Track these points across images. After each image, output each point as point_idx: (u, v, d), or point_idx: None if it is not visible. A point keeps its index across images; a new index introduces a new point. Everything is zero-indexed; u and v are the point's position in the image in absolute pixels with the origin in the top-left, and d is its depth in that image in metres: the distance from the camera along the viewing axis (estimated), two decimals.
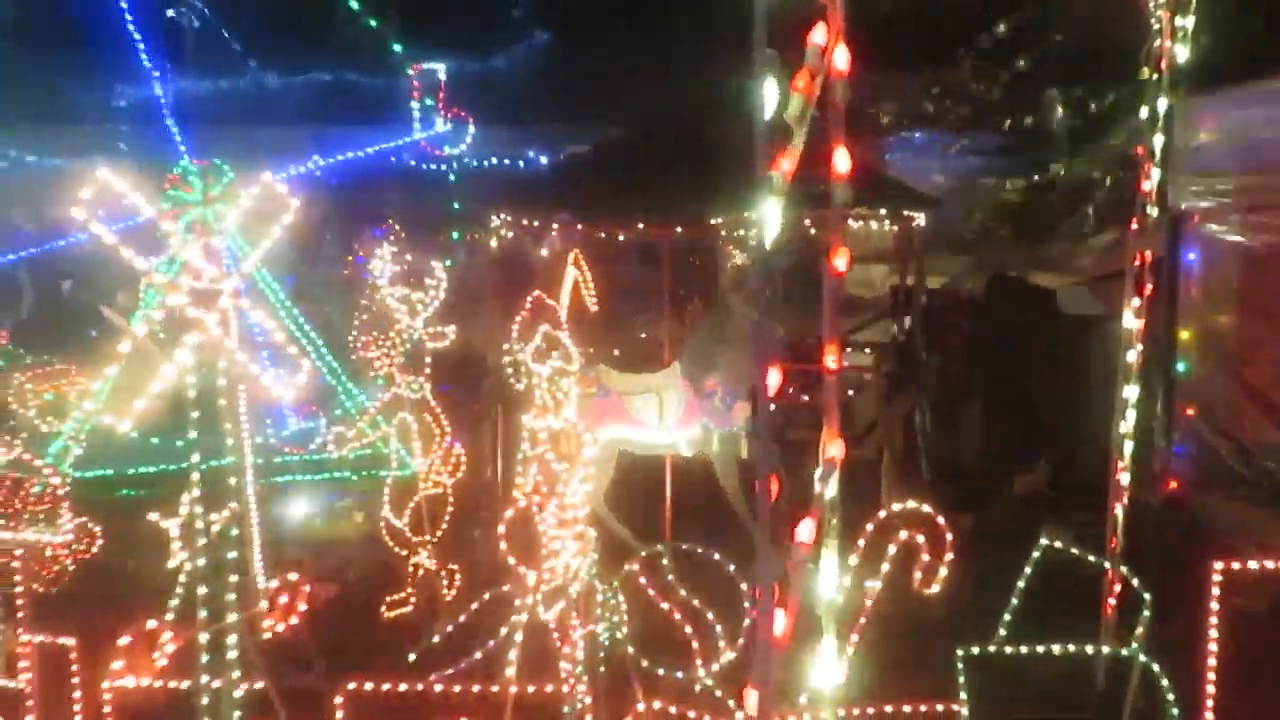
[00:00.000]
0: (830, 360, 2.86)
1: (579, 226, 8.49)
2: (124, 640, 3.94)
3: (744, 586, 4.90)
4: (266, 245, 3.85)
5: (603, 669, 5.28)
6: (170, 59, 8.86)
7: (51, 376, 7.38)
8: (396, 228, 9.88)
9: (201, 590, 3.87)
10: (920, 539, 4.74)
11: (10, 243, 9.02)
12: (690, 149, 8.14)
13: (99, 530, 6.31)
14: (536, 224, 9.24)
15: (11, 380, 7.21)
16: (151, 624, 3.95)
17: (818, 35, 2.80)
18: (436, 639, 5.33)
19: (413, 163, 12.90)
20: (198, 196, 4.69)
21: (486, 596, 5.21)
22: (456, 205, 10.19)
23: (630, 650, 5.29)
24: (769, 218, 2.55)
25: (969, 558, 5.15)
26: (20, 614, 4.75)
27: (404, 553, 7.41)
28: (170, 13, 8.62)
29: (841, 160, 2.81)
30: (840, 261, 2.85)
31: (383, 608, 7.32)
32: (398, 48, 9.23)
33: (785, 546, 2.60)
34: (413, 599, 7.40)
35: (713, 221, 8.62)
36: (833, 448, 2.93)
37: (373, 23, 9.01)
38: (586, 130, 10.03)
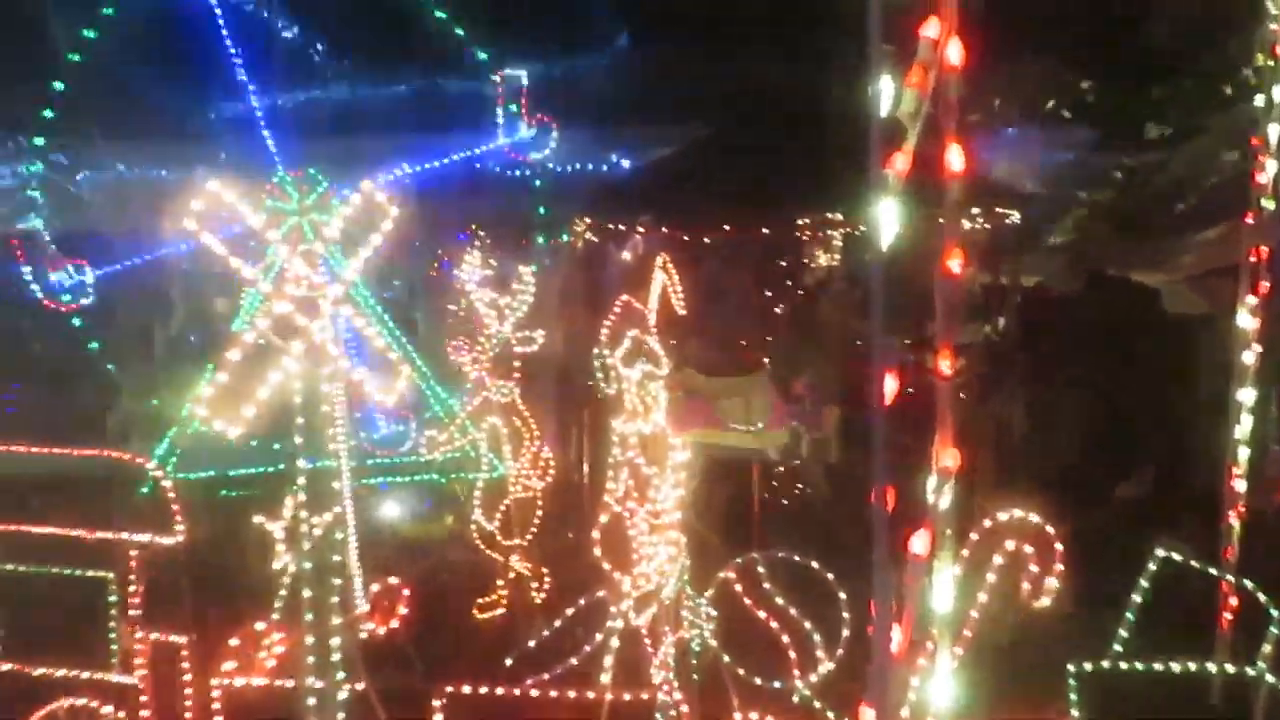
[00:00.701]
0: (945, 365, 2.76)
1: (663, 229, 8.50)
2: (234, 641, 4.03)
3: (841, 595, 4.79)
4: (367, 253, 3.89)
5: (696, 677, 5.23)
6: (265, 71, 9.10)
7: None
8: (481, 233, 10.01)
9: (306, 593, 3.93)
10: (1028, 549, 4.57)
11: (122, 253, 9.35)
12: (782, 149, 8.05)
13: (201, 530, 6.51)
14: (620, 227, 9.27)
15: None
16: (260, 626, 4.02)
17: (930, 29, 2.71)
18: (532, 644, 5.35)
19: (497, 169, 13.05)
20: (294, 205, 4.76)
21: (581, 603, 5.20)
22: (541, 210, 10.24)
23: (725, 659, 5.22)
24: (884, 218, 2.46)
25: (1070, 568, 4.96)
26: (135, 612, 4.89)
27: (494, 555, 7.47)
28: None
29: (955, 158, 2.71)
30: (954, 264, 2.75)
31: (474, 609, 7.39)
32: (483, 55, 9.30)
33: (899, 560, 2.51)
34: (504, 601, 7.46)
35: (801, 222, 8.54)
36: (946, 457, 2.83)
37: (459, 31, 9.09)
38: (670, 133, 10.00)
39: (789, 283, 9.98)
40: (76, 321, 9.30)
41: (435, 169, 9.74)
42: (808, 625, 5.05)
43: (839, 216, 8.39)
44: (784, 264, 10.34)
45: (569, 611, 5.29)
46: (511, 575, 7.47)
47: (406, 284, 10.90)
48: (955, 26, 2.72)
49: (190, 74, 9.65)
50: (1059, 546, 4.64)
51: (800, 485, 8.59)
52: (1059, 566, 4.58)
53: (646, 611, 5.32)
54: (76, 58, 8.38)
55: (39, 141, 8.67)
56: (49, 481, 6.14)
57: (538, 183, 10.50)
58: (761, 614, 5.12)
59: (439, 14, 9.03)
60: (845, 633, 4.88)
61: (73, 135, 8.53)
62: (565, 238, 10.73)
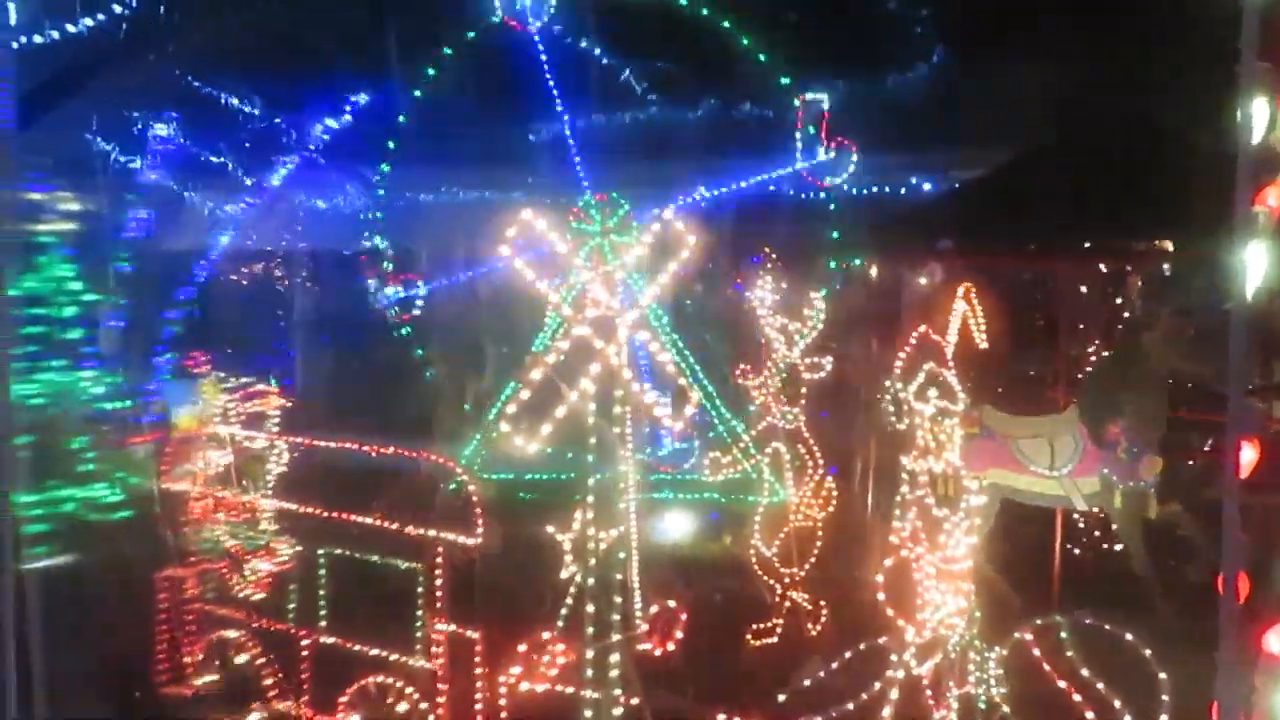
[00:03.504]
0: None
1: (966, 257, 8.03)
2: (522, 648, 4.22)
3: (1161, 676, 4.25)
4: (664, 279, 3.95)
5: None
6: (577, 96, 9.60)
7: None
8: (774, 256, 9.96)
9: (589, 607, 4.03)
10: None
11: (445, 271, 10.24)
12: (1111, 172, 7.34)
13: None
14: (918, 253, 8.88)
15: None
16: (546, 635, 4.18)
17: None
18: (808, 682, 5.20)
19: (791, 192, 12.99)
20: (596, 228, 4.91)
21: (862, 647, 4.99)
22: (835, 234, 10.05)
23: None
24: (1251, 261, 2.11)
25: None
26: (438, 605, 5.27)
27: (771, 582, 7.38)
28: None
29: None
30: None
31: (747, 636, 7.33)
32: (785, 80, 9.28)
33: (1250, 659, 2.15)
34: (778, 630, 7.35)
35: (1124, 251, 7.76)
36: None
37: (762, 57, 9.12)
38: (977, 154, 9.46)
39: (1107, 317, 9.11)
40: (405, 330, 10.33)
41: (732, 192, 9.83)
42: (1117, 704, 4.53)
43: (1169, 246, 7.53)
44: (1101, 296, 9.47)
45: (848, 655, 5.09)
46: (788, 605, 7.35)
47: (698, 306, 11.08)
48: None
49: (508, 100, 10.36)
50: None
51: (1109, 541, 7.78)
52: None
53: (929, 661, 5.03)
54: (418, 93, 9.27)
55: (385, 169, 9.67)
56: (376, 476, 6.77)
57: (833, 206, 10.32)
58: (1062, 683, 4.65)
59: (743, 40, 9.10)
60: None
61: (406, 162, 9.42)
62: (858, 262, 10.46)
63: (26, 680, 4.34)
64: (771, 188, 12.90)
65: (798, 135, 9.52)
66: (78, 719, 5.31)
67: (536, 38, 8.98)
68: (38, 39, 5.48)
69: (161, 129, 9.12)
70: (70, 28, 5.61)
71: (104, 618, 6.25)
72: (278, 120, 10.04)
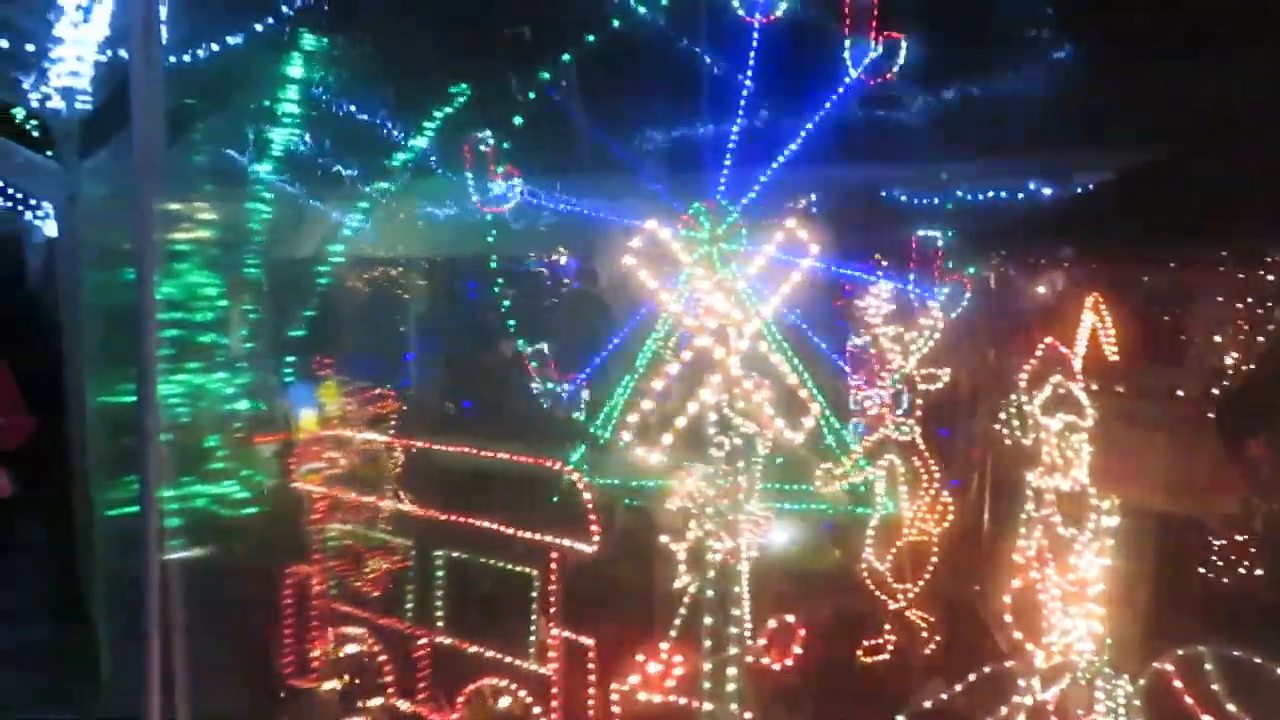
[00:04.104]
0: None
1: (1092, 265, 7.74)
2: (640, 657, 4.22)
3: None
4: (786, 289, 3.91)
5: None
6: (692, 105, 9.60)
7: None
8: (885, 264, 9.76)
9: (707, 620, 4.01)
10: None
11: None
12: (1252, 176, 6.96)
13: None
14: (1038, 261, 8.59)
15: None
16: (664, 646, 4.18)
17: None
18: (928, 704, 5.07)
19: (903, 197, 12.71)
20: (706, 234, 4.87)
21: (987, 670, 4.83)
22: (949, 240, 9.79)
23: None
24: None
25: None
26: (552, 610, 5.32)
27: (883, 598, 7.23)
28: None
29: None
30: None
31: (859, 651, 7.20)
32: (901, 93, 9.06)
33: None
34: (890, 646, 7.20)
35: (1264, 260, 7.35)
36: None
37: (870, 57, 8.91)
38: (1102, 157, 9.08)
39: (1246, 328, 8.63)
40: (511, 323, 10.53)
41: (843, 197, 9.68)
42: None
43: None
44: (1239, 306, 8.98)
45: (972, 677, 4.93)
46: (900, 622, 7.19)
47: (807, 314, 10.94)
48: None
49: (624, 108, 10.42)
50: None
51: (1250, 565, 7.37)
52: None
53: (1055, 687, 4.84)
54: (532, 95, 9.42)
55: (500, 169, 9.84)
56: (489, 479, 6.89)
57: (949, 205, 10.06)
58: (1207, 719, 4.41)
59: (863, 48, 8.94)
60: None
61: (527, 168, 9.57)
62: (973, 271, 10.17)
63: (168, 666, 4.56)
64: (882, 193, 12.65)
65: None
66: (212, 706, 5.55)
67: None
68: (185, 58, 5.79)
69: (288, 136, 9.51)
70: (214, 46, 5.90)
71: (235, 610, 6.52)
72: (402, 131, 10.34)
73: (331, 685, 6.28)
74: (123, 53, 5.53)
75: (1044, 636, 4.85)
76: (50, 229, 11.65)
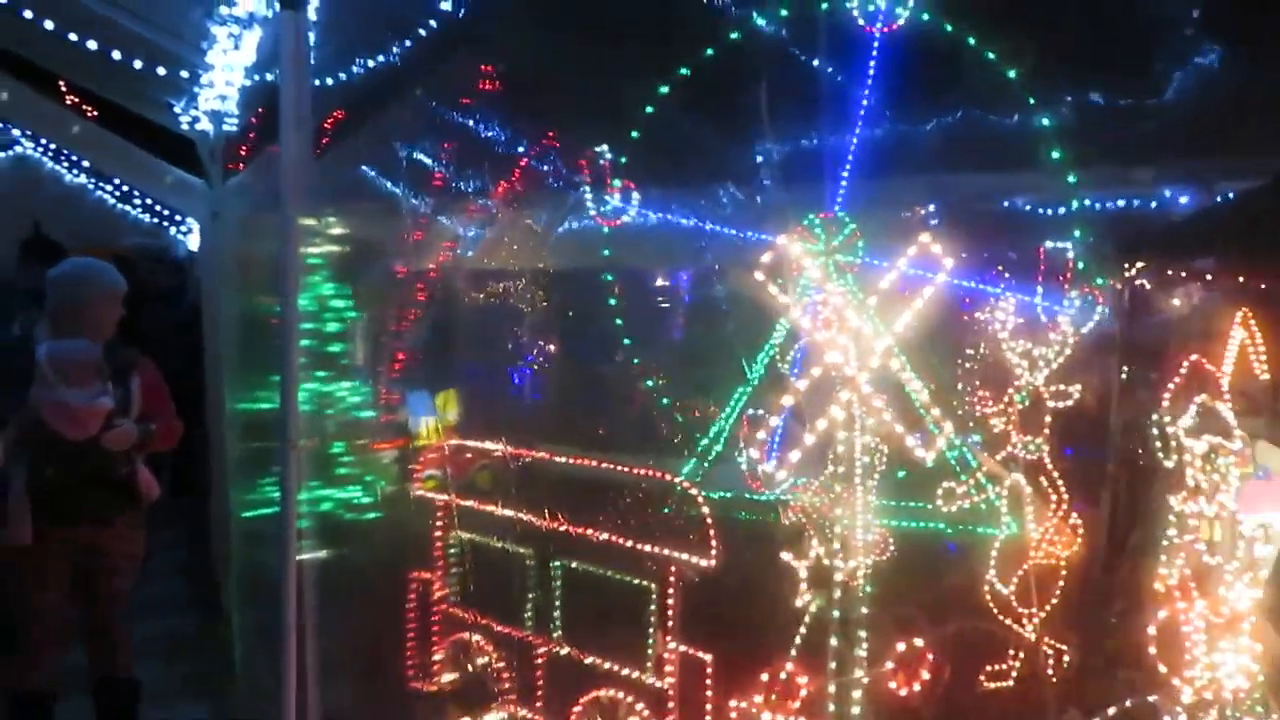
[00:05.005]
0: None
1: (1238, 278, 7.33)
2: (764, 676, 4.18)
3: None
4: (918, 305, 3.82)
5: None
6: (808, 114, 9.50)
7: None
8: (1009, 276, 9.45)
9: (832, 641, 3.94)
10: None
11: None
12: None
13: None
14: (1178, 273, 8.18)
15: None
16: (789, 667, 4.13)
17: None
18: None
19: (1026, 207, 12.28)
20: (821, 247, 4.80)
21: (1129, 704, 4.62)
22: (1076, 235, 9.40)
23: None
24: None
25: None
26: (670, 623, 5.31)
27: (1008, 622, 6.97)
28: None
29: None
30: None
31: (981, 676, 6.96)
32: (1031, 100, 8.74)
33: None
34: (1015, 673, 6.94)
35: None
36: None
37: (1011, 74, 8.65)
38: (1248, 165, 8.57)
39: None
40: (627, 340, 10.59)
41: (967, 207, 9.42)
42: None
43: None
44: None
45: (1112, 710, 4.72)
46: (1025, 647, 6.92)
47: (927, 328, 10.68)
48: None
49: (735, 119, 10.39)
50: None
51: None
52: None
53: None
54: (650, 109, 9.48)
55: (618, 183, 9.93)
56: (605, 490, 6.94)
57: (1078, 233, 9.64)
58: None
59: (989, 54, 8.69)
60: None
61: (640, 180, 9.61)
62: (1103, 282, 9.76)
63: (300, 663, 4.73)
64: (1004, 203, 12.27)
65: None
66: (334, 704, 5.73)
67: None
68: (329, 80, 6.06)
69: (412, 150, 9.82)
70: (355, 68, 6.15)
71: (358, 612, 6.72)
72: (522, 148, 10.54)
73: (450, 689, 6.41)
74: (269, 76, 5.81)
75: (1187, 670, 4.61)
76: (193, 243, 12.33)
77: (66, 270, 5.75)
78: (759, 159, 10.55)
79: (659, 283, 13.00)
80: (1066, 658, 6.84)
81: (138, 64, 7.12)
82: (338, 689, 5.31)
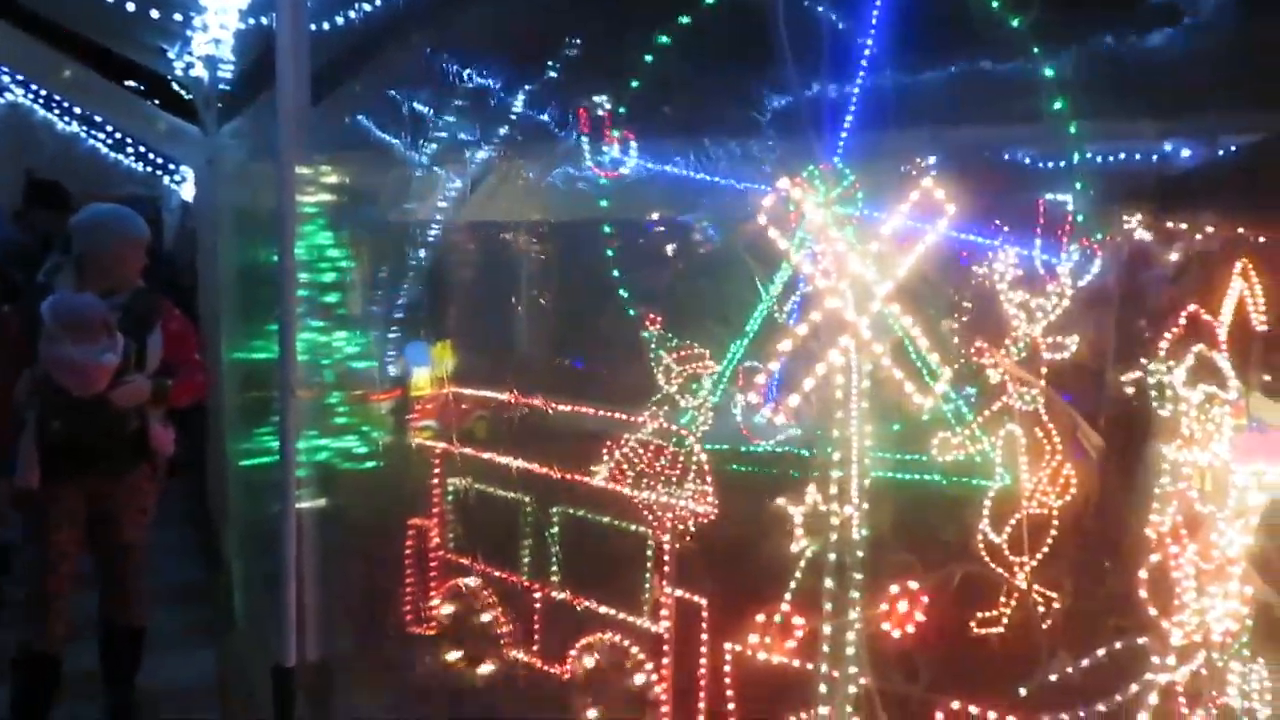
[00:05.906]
0: None
1: (1237, 229, 7.32)
2: (760, 618, 4.23)
3: None
4: (920, 250, 3.81)
5: None
6: (814, 65, 9.40)
7: (691, 359, 8.36)
8: (1007, 229, 9.43)
9: (827, 583, 3.99)
10: None
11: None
12: None
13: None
14: (1177, 226, 8.17)
15: (660, 360, 8.29)
16: (784, 608, 4.18)
17: None
18: (1054, 677, 4.96)
19: (1026, 160, 12.22)
20: (820, 199, 4.76)
21: (1118, 645, 4.69)
22: (1079, 202, 9.37)
23: None
24: None
25: None
26: (666, 569, 5.38)
27: (999, 570, 7.06)
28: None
29: None
30: None
31: (972, 623, 7.06)
32: (1035, 49, 8.64)
33: None
34: (1005, 619, 7.05)
35: None
36: None
37: (1015, 23, 8.53)
38: (1253, 118, 8.52)
39: None
40: (624, 292, 10.59)
41: (966, 157, 9.38)
42: None
43: None
44: None
45: (1101, 652, 4.79)
46: (1016, 594, 7.02)
47: (924, 277, 10.67)
48: None
49: (740, 69, 10.28)
50: None
51: None
52: None
53: (1187, 667, 4.66)
54: (649, 58, 9.37)
55: (616, 133, 9.85)
56: (603, 438, 6.97)
57: (1078, 185, 9.61)
58: None
59: (993, 2, 8.57)
60: None
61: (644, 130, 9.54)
62: (1101, 235, 9.75)
63: (300, 609, 4.78)
64: (1005, 155, 12.20)
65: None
66: (333, 648, 5.81)
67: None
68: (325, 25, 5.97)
69: (406, 100, 9.71)
70: (352, 14, 6.05)
71: (358, 559, 6.78)
72: (521, 97, 10.44)
73: (448, 634, 6.49)
74: (264, 20, 5.72)
75: (1177, 615, 4.68)
76: (187, 192, 12.22)
77: (90, 216, 5.47)
78: (761, 107, 10.48)
79: (658, 229, 12.94)
80: (1056, 604, 6.95)
81: (130, 6, 6.99)
82: (337, 635, 5.38)
